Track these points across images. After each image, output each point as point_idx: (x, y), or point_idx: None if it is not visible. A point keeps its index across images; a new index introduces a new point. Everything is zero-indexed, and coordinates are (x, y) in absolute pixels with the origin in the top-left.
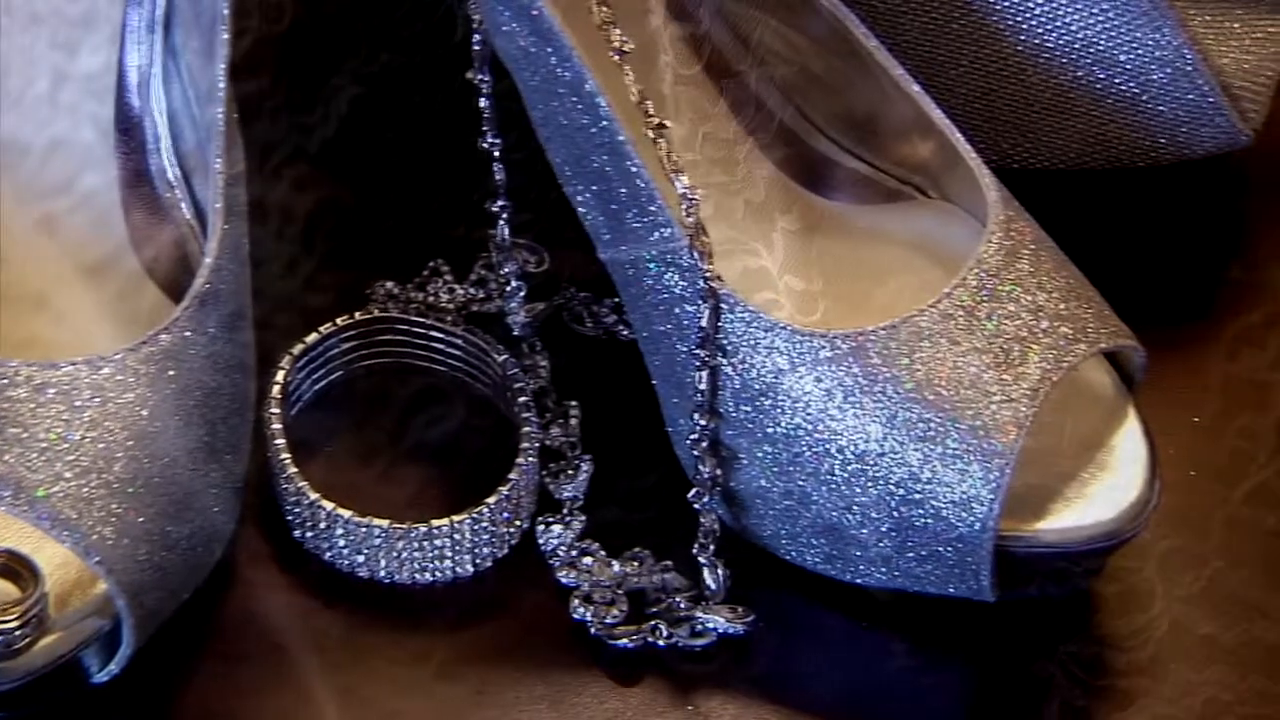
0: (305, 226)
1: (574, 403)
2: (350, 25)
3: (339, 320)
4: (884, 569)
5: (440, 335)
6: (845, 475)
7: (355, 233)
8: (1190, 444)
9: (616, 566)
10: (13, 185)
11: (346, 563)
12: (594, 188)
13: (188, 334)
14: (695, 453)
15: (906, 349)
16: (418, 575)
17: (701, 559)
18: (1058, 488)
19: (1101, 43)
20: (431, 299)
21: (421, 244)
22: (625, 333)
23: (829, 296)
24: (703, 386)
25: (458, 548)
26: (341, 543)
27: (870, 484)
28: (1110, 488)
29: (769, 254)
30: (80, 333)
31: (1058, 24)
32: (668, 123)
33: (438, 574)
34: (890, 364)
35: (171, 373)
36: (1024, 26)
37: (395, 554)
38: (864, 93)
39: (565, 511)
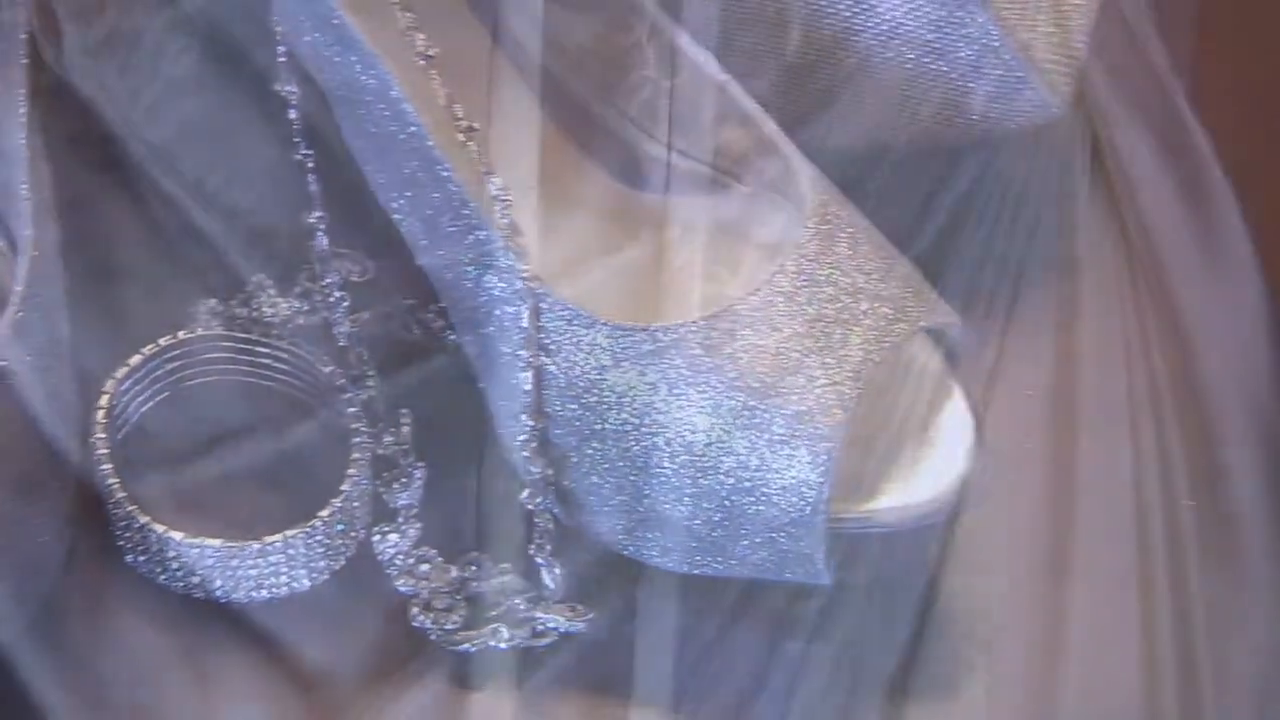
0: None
1: (404, 410)
2: None
3: (161, 341)
4: (720, 559)
5: (265, 350)
6: (674, 467)
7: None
8: (1026, 415)
9: (454, 572)
10: None
11: (181, 584)
12: (407, 194)
13: (2, 364)
14: (526, 453)
15: (728, 338)
16: (254, 593)
17: (538, 559)
18: (887, 467)
19: (909, 23)
20: (255, 314)
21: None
22: (452, 337)
23: None
24: (528, 387)
25: (293, 562)
26: (175, 564)
27: (700, 475)
28: (939, 464)
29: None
30: None
31: (864, 7)
32: (476, 125)
33: (274, 590)
34: (713, 354)
35: None
36: (831, 11)
37: (230, 572)
38: (676, 85)
39: (400, 519)
